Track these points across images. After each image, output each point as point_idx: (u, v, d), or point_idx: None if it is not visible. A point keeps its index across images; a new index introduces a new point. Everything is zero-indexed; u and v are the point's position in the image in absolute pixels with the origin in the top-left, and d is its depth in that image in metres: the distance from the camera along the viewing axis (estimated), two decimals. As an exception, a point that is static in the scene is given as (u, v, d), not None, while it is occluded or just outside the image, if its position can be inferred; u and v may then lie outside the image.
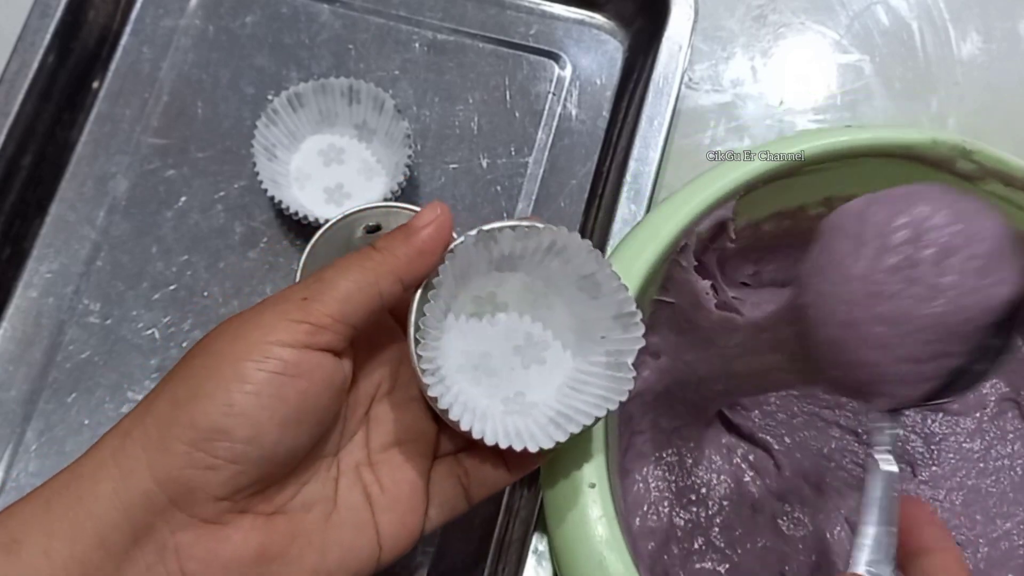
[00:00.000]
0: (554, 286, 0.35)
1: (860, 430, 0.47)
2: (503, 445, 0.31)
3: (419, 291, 0.32)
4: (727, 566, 0.44)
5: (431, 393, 0.31)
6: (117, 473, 0.29)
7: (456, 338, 0.34)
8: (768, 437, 0.46)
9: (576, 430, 0.32)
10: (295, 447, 0.30)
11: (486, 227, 0.32)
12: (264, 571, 0.29)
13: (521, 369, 0.34)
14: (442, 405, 0.31)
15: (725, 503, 0.45)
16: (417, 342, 0.31)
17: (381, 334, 0.34)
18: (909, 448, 0.46)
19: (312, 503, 0.31)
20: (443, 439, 0.34)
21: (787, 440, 0.46)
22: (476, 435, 0.31)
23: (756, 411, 0.46)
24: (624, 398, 0.32)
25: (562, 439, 0.32)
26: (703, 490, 0.45)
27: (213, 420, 0.28)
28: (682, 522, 0.44)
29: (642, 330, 0.33)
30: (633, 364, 0.33)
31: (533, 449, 0.32)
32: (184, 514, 0.28)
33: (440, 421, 0.34)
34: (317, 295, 0.30)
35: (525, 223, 0.33)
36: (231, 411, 0.28)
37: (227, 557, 0.29)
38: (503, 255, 0.33)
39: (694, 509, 0.45)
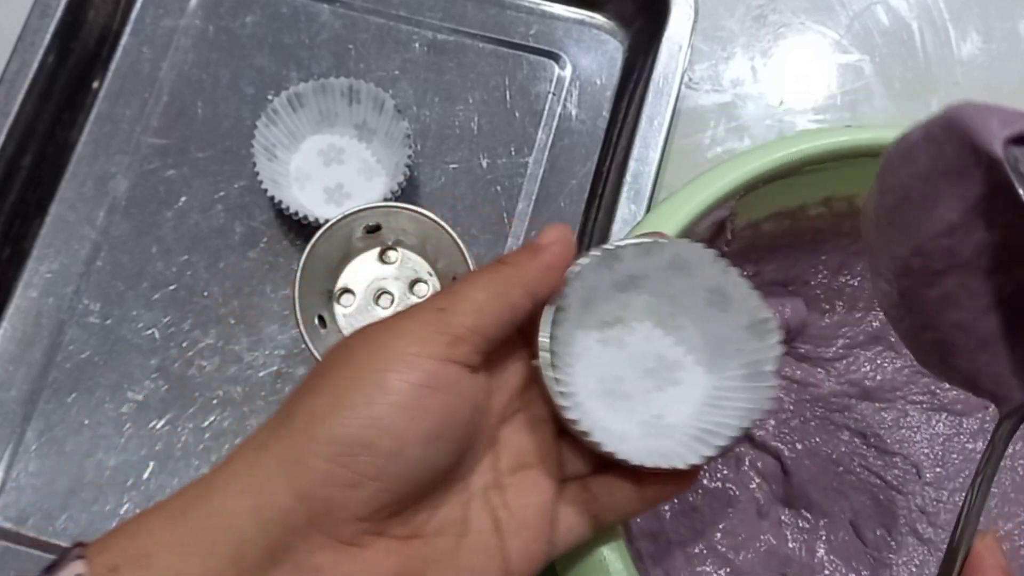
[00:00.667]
0: (681, 305, 0.34)
1: (867, 432, 0.47)
2: (649, 464, 0.30)
3: (545, 313, 0.31)
4: (728, 569, 0.44)
5: (569, 416, 0.30)
6: (253, 487, 0.27)
7: (588, 363, 0.33)
8: (780, 444, 0.46)
9: (723, 443, 0.31)
10: (436, 464, 0.29)
11: (608, 245, 0.32)
12: None
13: (656, 392, 0.34)
14: (582, 428, 0.30)
15: (729, 510, 0.45)
16: (553, 367, 0.30)
17: (507, 354, 0.33)
18: (915, 450, 0.47)
19: (445, 527, 0.30)
20: (569, 463, 0.33)
21: (799, 447, 0.46)
22: (620, 456, 0.30)
23: (771, 419, 0.46)
24: (768, 407, 0.31)
25: (711, 454, 0.31)
26: (706, 498, 0.45)
27: (355, 433, 0.27)
28: (683, 528, 0.44)
29: (778, 335, 0.32)
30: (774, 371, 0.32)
31: (681, 466, 0.31)
32: (322, 534, 0.27)
33: (566, 444, 0.33)
34: (452, 306, 0.29)
35: (647, 238, 0.32)
36: (375, 424, 0.27)
37: None
38: (626, 275, 0.33)
39: (696, 515, 0.45)
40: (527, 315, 0.31)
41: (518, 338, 0.33)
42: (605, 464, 0.32)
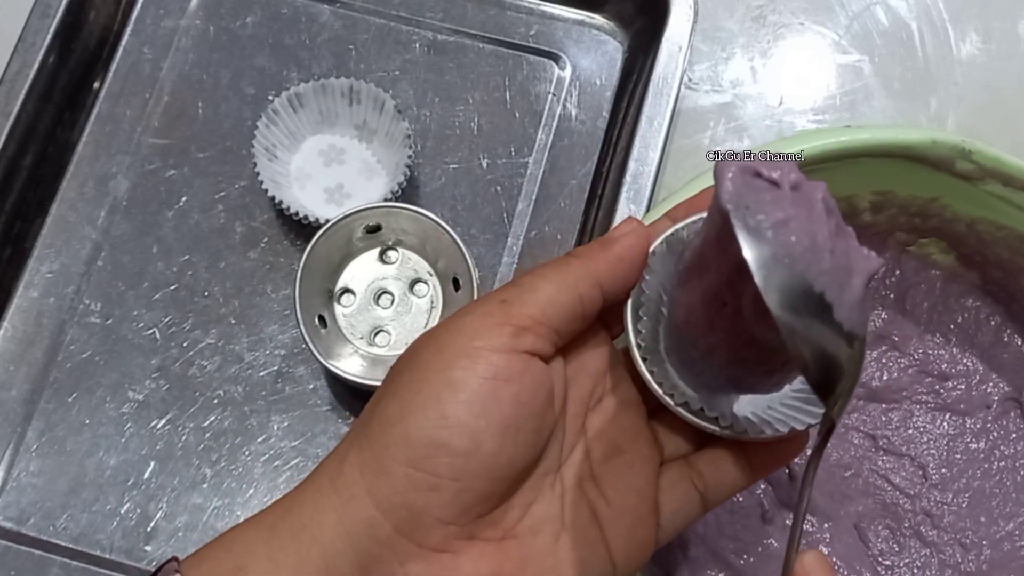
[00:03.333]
0: None
1: (876, 435, 0.47)
2: (769, 433, 0.30)
3: (628, 305, 0.31)
4: (729, 572, 0.44)
5: (673, 403, 0.30)
6: (337, 500, 0.27)
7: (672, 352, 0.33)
8: None
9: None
10: (514, 458, 0.28)
11: (670, 231, 0.31)
12: None
13: None
14: (694, 406, 0.30)
15: (733, 516, 0.45)
16: (643, 359, 0.30)
17: (585, 338, 0.32)
18: (921, 451, 0.47)
19: (540, 525, 0.29)
20: (668, 443, 0.32)
21: (808, 452, 0.46)
22: (736, 431, 0.30)
23: None
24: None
25: (815, 421, 0.30)
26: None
27: (428, 434, 0.27)
28: (685, 531, 0.44)
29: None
30: None
31: (800, 427, 0.30)
32: (411, 543, 0.27)
33: (661, 424, 0.32)
34: (516, 298, 0.29)
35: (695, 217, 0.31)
36: (447, 423, 0.27)
37: None
38: None
39: (698, 520, 0.45)
40: (596, 308, 0.30)
41: (597, 322, 0.32)
42: (705, 442, 0.32)
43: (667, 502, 0.31)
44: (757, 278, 0.24)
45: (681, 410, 0.30)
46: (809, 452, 0.29)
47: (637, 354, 0.30)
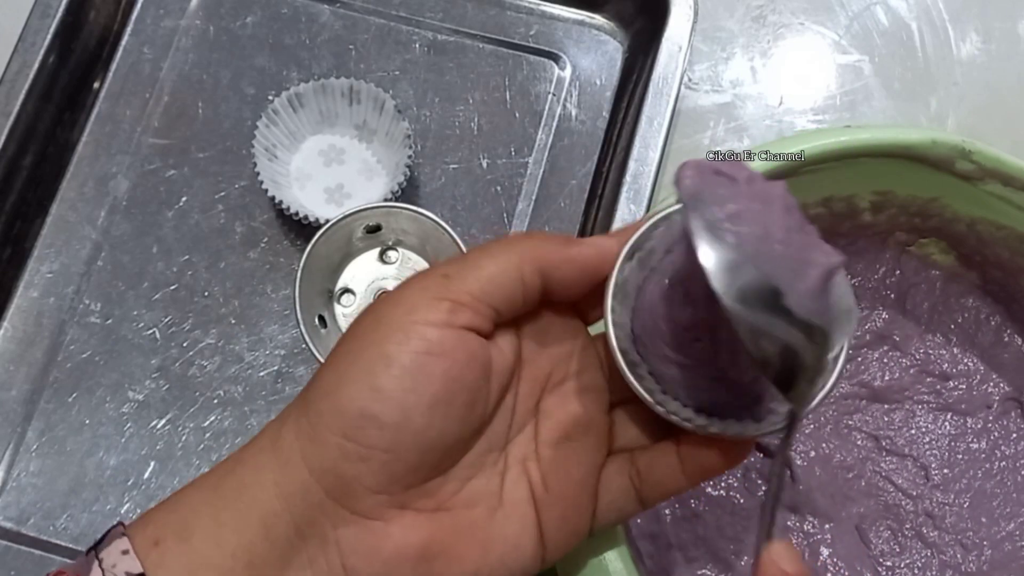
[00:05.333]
0: None
1: (879, 435, 0.47)
2: (731, 433, 0.29)
3: (607, 288, 0.30)
4: (728, 573, 0.44)
5: (639, 389, 0.30)
6: (275, 463, 0.28)
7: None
8: (791, 453, 0.46)
9: (780, 423, 0.30)
10: (445, 432, 0.28)
11: (659, 215, 0.31)
12: (426, 568, 0.28)
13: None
14: (657, 400, 0.30)
15: (733, 517, 0.45)
16: (617, 338, 0.30)
17: (551, 325, 0.32)
18: (923, 451, 0.47)
19: (477, 499, 0.30)
20: (624, 435, 0.32)
21: (811, 454, 0.46)
22: (695, 425, 0.29)
23: None
24: (828, 392, 0.30)
25: (774, 428, 0.30)
26: (709, 505, 0.45)
27: (360, 405, 0.27)
28: (685, 532, 0.44)
29: (855, 312, 0.31)
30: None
31: (755, 432, 0.29)
32: (343, 509, 0.28)
33: (621, 415, 0.32)
34: (458, 273, 0.29)
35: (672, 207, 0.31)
36: (377, 395, 0.27)
37: (389, 553, 0.28)
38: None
39: (698, 521, 0.45)
40: (536, 294, 0.30)
41: (568, 306, 0.32)
42: (661, 436, 0.31)
43: (604, 493, 0.32)
44: (706, 266, 0.24)
45: (644, 394, 0.30)
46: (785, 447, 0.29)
47: (612, 332, 0.30)
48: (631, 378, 0.30)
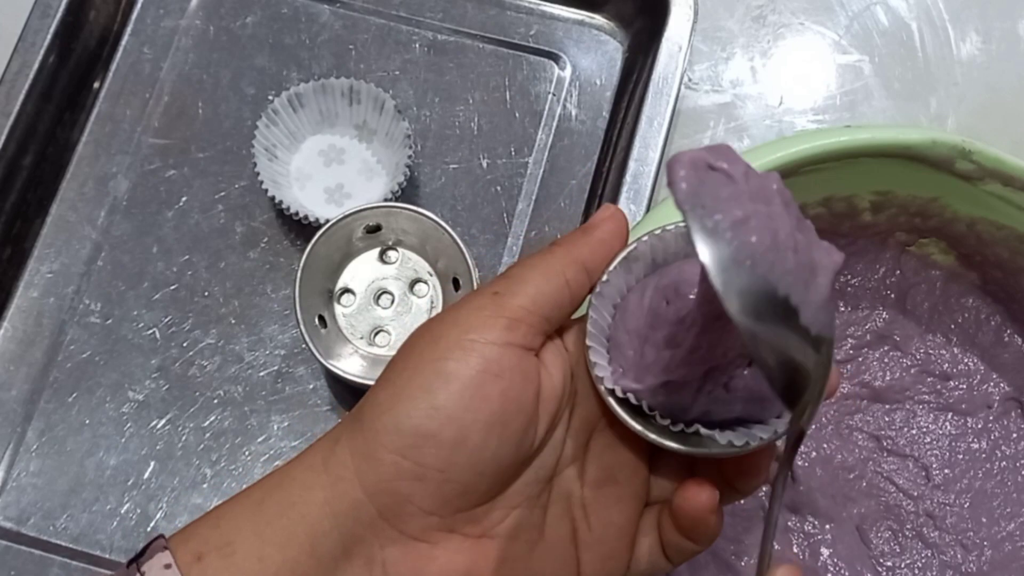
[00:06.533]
0: None
1: (881, 436, 0.47)
2: (719, 446, 0.28)
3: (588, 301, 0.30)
4: (731, 574, 0.44)
5: (611, 400, 0.29)
6: (327, 480, 0.28)
7: None
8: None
9: (765, 435, 0.29)
10: (499, 454, 0.28)
11: (656, 230, 0.30)
12: None
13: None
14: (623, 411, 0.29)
15: (733, 519, 0.45)
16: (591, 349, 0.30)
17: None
18: (924, 451, 0.47)
19: (519, 531, 0.29)
20: (655, 484, 0.32)
21: (813, 455, 0.46)
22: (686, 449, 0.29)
23: None
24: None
25: (759, 440, 0.28)
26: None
27: (418, 423, 0.27)
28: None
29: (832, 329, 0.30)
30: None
31: (755, 441, 0.28)
32: (393, 529, 0.28)
33: (656, 463, 0.32)
34: (507, 290, 0.29)
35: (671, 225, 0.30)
36: (436, 413, 0.27)
37: None
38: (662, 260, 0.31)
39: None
40: (584, 291, 0.30)
41: None
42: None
43: (640, 544, 0.31)
44: (716, 283, 0.22)
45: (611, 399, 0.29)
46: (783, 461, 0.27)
47: (588, 341, 0.29)
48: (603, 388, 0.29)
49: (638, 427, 0.29)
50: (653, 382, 0.28)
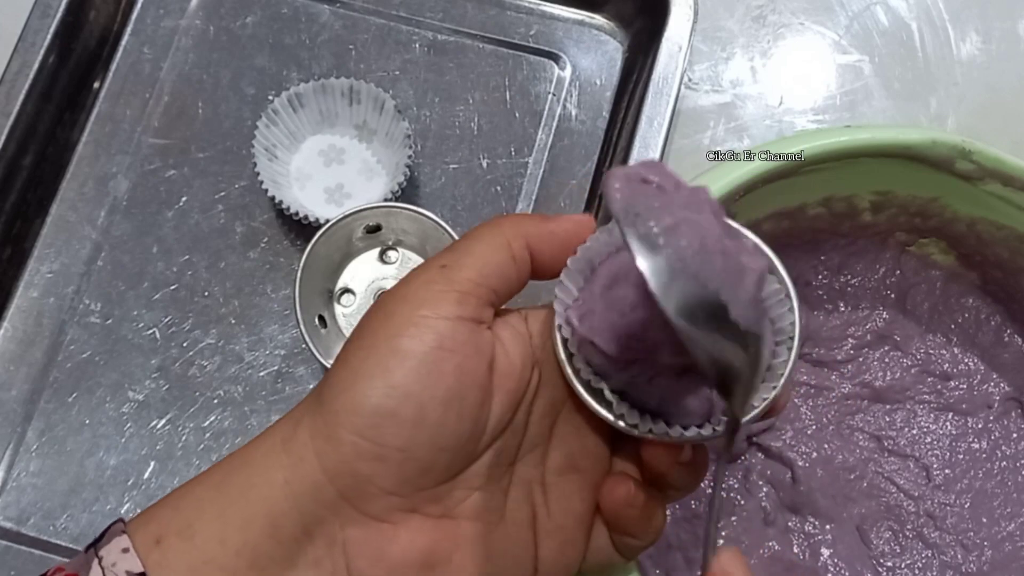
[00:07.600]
0: None
1: (882, 436, 0.47)
2: (672, 436, 0.29)
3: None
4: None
5: (584, 395, 0.29)
6: (288, 462, 0.28)
7: None
8: (794, 455, 0.46)
9: (719, 426, 0.29)
10: (460, 430, 0.28)
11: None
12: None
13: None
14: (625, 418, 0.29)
15: (733, 518, 0.45)
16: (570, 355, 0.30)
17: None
18: (925, 451, 0.47)
19: (480, 512, 0.30)
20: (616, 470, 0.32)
21: (814, 455, 0.46)
22: (656, 435, 0.29)
23: (789, 429, 0.46)
24: (769, 405, 0.29)
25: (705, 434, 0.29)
26: (709, 507, 0.45)
27: (376, 402, 0.27)
28: (685, 533, 0.44)
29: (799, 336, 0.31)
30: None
31: (706, 432, 0.29)
32: (354, 509, 0.28)
33: (619, 452, 0.32)
34: (455, 262, 0.29)
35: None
36: (393, 391, 0.27)
37: (394, 558, 0.28)
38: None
39: (698, 522, 0.45)
40: (527, 269, 0.30)
41: None
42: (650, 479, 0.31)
43: (597, 536, 0.32)
44: (652, 287, 0.24)
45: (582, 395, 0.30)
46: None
47: (558, 323, 0.30)
48: (570, 371, 0.30)
49: (596, 406, 0.29)
50: (586, 334, 0.29)
